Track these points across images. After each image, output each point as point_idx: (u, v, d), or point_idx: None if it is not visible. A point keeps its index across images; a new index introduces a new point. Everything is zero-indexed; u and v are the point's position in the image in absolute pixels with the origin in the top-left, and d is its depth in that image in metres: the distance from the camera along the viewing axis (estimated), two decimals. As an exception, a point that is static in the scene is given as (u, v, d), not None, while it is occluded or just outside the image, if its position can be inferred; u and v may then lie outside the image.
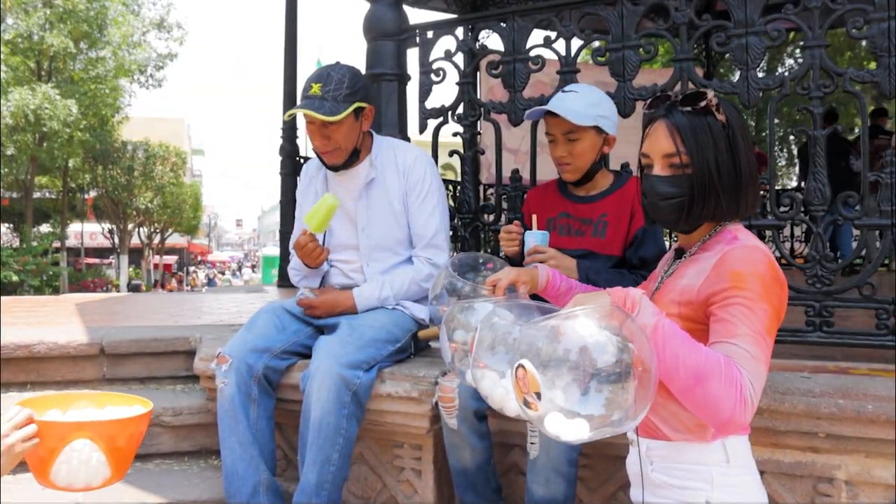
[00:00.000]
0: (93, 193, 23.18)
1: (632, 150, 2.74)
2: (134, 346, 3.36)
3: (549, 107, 2.37)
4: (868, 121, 2.66)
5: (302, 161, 6.92)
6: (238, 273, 47.04)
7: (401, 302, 2.62)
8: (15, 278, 13.63)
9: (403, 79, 3.21)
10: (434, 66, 3.13)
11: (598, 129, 2.38)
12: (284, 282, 6.88)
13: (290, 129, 6.88)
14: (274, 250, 50.37)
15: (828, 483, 2.11)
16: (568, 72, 2.89)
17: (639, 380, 1.24)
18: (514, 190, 2.99)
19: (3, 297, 6.54)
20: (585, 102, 2.36)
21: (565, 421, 1.26)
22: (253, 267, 51.82)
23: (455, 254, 2.68)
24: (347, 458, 2.33)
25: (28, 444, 1.57)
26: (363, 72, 2.66)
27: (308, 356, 2.62)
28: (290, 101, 6.90)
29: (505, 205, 3.05)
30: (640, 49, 2.78)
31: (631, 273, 2.37)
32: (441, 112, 3.13)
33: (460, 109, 3.09)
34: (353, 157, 2.61)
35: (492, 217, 3.07)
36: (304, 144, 7.03)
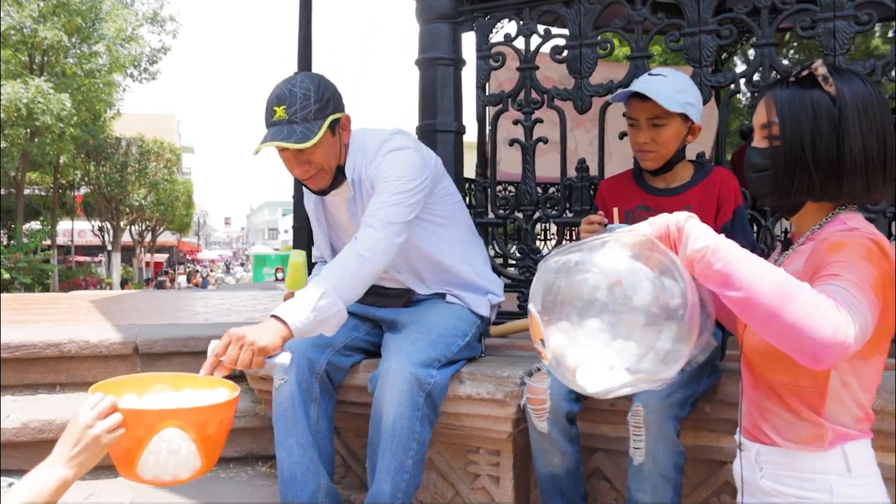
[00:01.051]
0: (84, 190, 22.83)
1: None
2: (170, 345, 3.19)
3: (639, 88, 2.22)
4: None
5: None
6: (230, 271, 46.65)
7: (458, 294, 2.44)
8: (6, 276, 13.36)
9: (459, 63, 3.04)
10: (493, 51, 2.97)
11: (684, 117, 2.24)
12: (299, 280, 6.71)
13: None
14: (264, 248, 50.25)
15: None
16: (638, 57, 2.74)
17: (687, 320, 1.13)
18: (580, 181, 2.83)
19: (5, 295, 6.33)
20: (674, 87, 2.21)
21: (594, 372, 1.17)
22: (242, 265, 51.50)
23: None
24: (421, 464, 2.17)
25: (114, 435, 1.42)
26: (324, 84, 2.21)
27: (370, 353, 2.48)
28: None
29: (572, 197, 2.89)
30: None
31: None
32: (500, 99, 2.97)
33: (521, 96, 2.93)
34: (340, 175, 2.29)
35: (556, 210, 2.91)
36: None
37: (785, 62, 2.63)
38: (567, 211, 2.90)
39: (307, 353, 2.28)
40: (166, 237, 31.40)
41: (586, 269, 1.16)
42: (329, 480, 2.23)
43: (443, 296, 2.43)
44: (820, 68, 1.39)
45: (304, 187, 2.36)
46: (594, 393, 1.23)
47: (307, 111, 2.11)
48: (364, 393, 2.42)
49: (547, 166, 3.25)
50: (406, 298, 2.45)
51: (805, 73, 1.40)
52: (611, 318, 1.14)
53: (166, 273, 30.89)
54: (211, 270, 43.07)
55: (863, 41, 12.51)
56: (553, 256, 1.26)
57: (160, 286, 24.79)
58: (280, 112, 2.10)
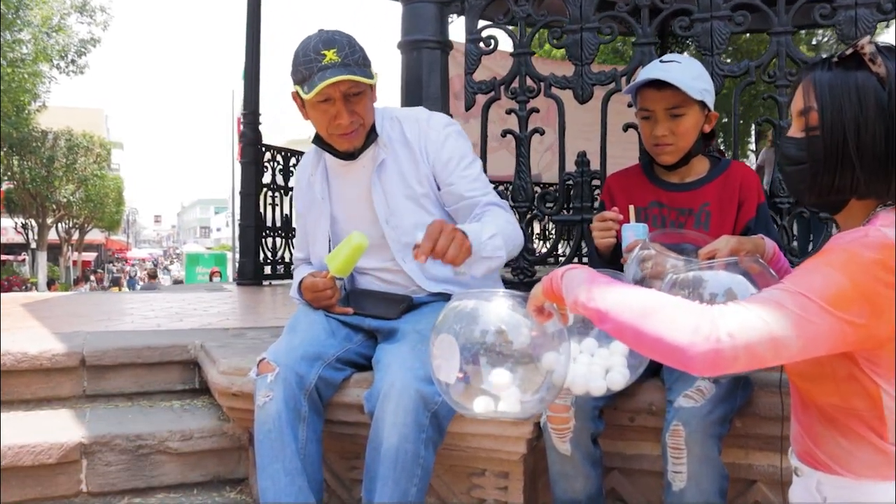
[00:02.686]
0: (7, 185, 21.73)
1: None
2: (122, 356, 2.85)
3: (658, 75, 2.02)
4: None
5: (263, 149, 6.43)
6: (167, 270, 45.32)
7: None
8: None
9: (446, 47, 2.80)
10: (483, 34, 2.74)
11: (702, 105, 2.06)
12: (245, 279, 6.37)
13: (251, 116, 6.40)
14: (196, 247, 48.99)
15: None
16: (645, 43, 2.55)
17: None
18: (580, 176, 2.63)
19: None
20: (691, 74, 2.04)
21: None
22: (172, 263, 50.22)
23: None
24: (424, 492, 1.92)
25: None
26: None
27: (361, 367, 2.22)
28: (253, 89, 6.43)
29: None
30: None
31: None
32: (492, 86, 2.74)
33: (515, 83, 2.70)
34: (371, 137, 2.20)
35: (553, 207, 2.69)
36: (267, 132, 6.56)
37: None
38: (565, 209, 2.70)
39: (296, 367, 2.01)
40: (94, 235, 30.28)
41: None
42: (319, 509, 1.97)
43: (446, 298, 2.18)
44: (867, 46, 1.21)
45: (326, 149, 2.23)
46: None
47: (357, 56, 2.07)
48: (353, 411, 2.15)
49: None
50: (405, 305, 2.20)
51: (850, 52, 1.23)
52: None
53: (94, 273, 29.74)
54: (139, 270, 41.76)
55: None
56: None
57: (116, 283, 23.84)
58: (331, 55, 2.03)
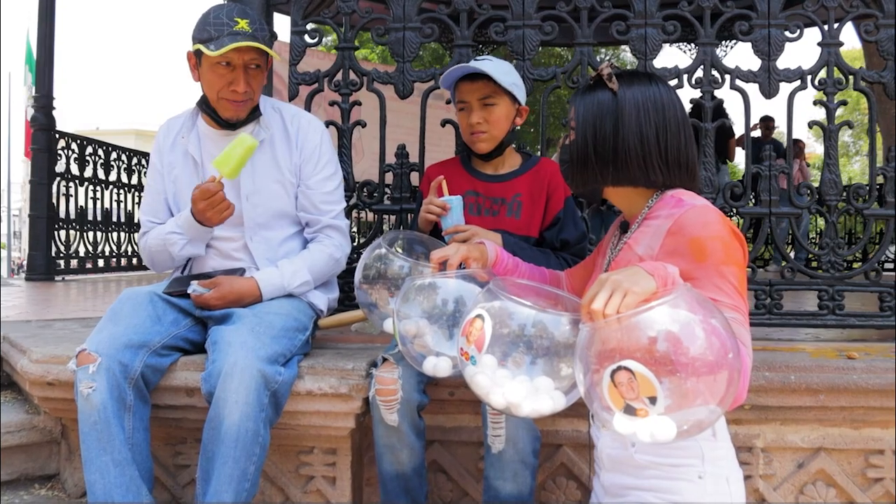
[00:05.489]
0: None
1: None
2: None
3: (471, 68, 2.23)
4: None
5: (57, 136, 6.03)
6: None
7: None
8: None
9: (270, 38, 2.83)
10: (308, 27, 2.80)
11: (512, 98, 2.28)
12: (35, 274, 5.93)
13: (45, 99, 5.96)
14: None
15: (748, 452, 2.22)
16: (462, 45, 2.73)
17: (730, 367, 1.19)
18: (400, 167, 2.77)
19: None
20: (501, 69, 2.27)
21: (656, 422, 1.18)
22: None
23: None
24: (260, 471, 1.96)
25: None
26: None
27: (189, 352, 2.22)
28: (46, 72, 5.99)
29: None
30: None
31: (554, 254, 2.29)
32: (316, 78, 2.81)
33: (339, 76, 2.79)
34: (255, 113, 2.33)
35: (373, 196, 2.81)
36: (61, 117, 6.12)
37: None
38: (384, 199, 2.82)
39: (119, 357, 1.97)
40: None
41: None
42: (151, 499, 1.94)
43: None
44: (605, 69, 1.58)
45: (209, 113, 2.30)
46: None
47: (265, 34, 2.24)
48: (181, 395, 2.15)
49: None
50: (241, 273, 2.25)
51: (594, 76, 1.60)
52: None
53: None
54: None
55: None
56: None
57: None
58: (244, 24, 2.18)
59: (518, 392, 1.35)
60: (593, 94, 1.57)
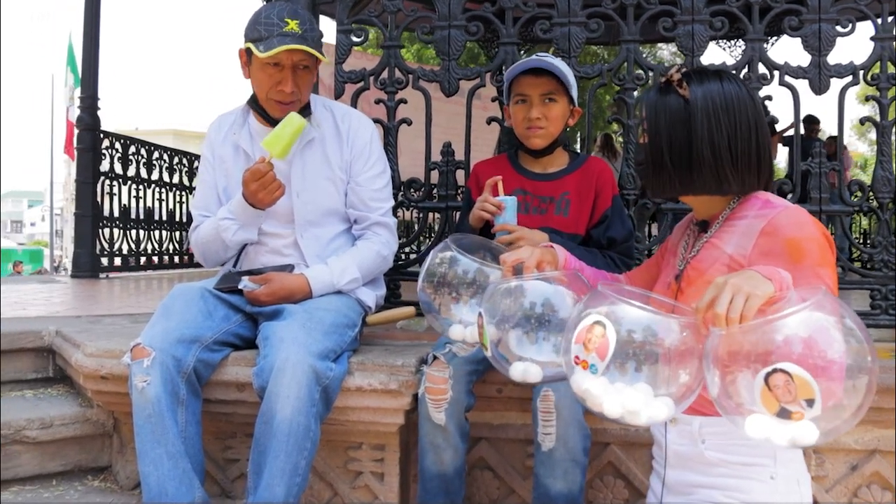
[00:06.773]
0: None
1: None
2: (-33, 345, 2.69)
3: (538, 63, 2.21)
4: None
5: (102, 136, 6.13)
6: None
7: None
8: None
9: (320, 38, 2.85)
10: (353, 26, 2.82)
11: (569, 99, 2.27)
12: (80, 271, 6.03)
13: (90, 100, 6.05)
14: (8, 243, 45.06)
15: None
16: (508, 43, 2.73)
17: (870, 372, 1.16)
18: (446, 165, 2.77)
19: None
20: (564, 67, 2.26)
21: (800, 427, 1.16)
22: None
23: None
24: (310, 465, 1.98)
25: None
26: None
27: (240, 347, 2.24)
28: (91, 72, 6.08)
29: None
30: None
31: (601, 253, 2.28)
32: (361, 76, 2.83)
33: (384, 74, 2.81)
34: (305, 112, 2.33)
35: (420, 193, 2.82)
36: (104, 117, 6.22)
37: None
38: (430, 197, 2.83)
39: (172, 351, 2.00)
40: None
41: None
42: (203, 492, 1.98)
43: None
44: (675, 75, 1.55)
45: (259, 112, 2.33)
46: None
47: (315, 34, 2.25)
48: (231, 390, 2.18)
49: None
50: (290, 269, 2.28)
51: (664, 80, 1.56)
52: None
53: None
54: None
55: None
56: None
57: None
58: (294, 25, 2.18)
59: (637, 400, 1.29)
60: (663, 100, 1.54)
